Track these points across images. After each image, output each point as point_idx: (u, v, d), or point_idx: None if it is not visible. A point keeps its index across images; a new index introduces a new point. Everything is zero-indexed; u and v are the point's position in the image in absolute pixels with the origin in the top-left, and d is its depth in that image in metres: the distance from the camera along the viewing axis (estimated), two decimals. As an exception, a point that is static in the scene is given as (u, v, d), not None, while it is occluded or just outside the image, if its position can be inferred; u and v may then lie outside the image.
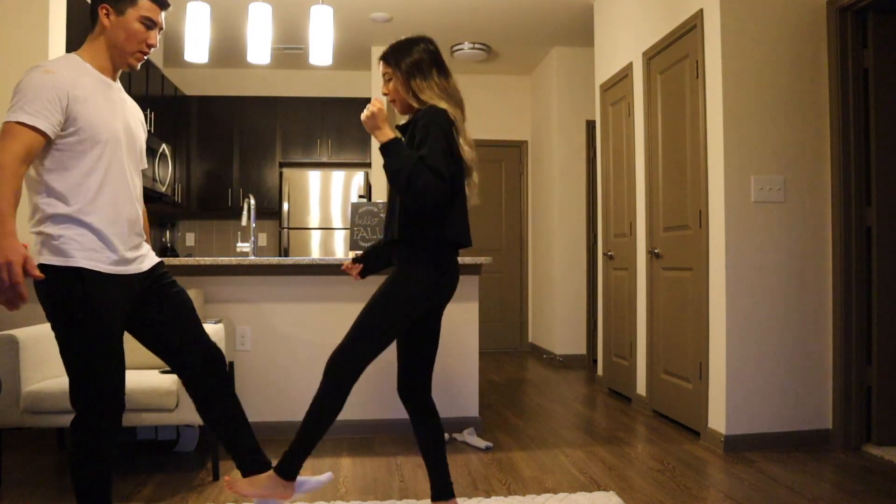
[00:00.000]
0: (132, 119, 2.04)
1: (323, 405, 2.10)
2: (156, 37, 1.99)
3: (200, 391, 2.10)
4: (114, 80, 2.00)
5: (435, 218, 2.07)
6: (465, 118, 2.19)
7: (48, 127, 1.78)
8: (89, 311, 1.83)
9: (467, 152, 2.13)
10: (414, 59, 2.13)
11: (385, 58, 2.19)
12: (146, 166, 2.18)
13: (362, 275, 2.38)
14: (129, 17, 1.93)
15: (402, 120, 2.26)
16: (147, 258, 2.06)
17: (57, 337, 1.87)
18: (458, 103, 2.17)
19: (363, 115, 2.04)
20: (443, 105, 2.10)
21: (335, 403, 2.10)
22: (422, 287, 2.11)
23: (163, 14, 2.02)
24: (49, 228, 1.82)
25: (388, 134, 2.02)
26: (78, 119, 1.83)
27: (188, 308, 2.09)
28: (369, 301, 2.12)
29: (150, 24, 1.96)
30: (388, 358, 2.49)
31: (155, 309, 2.03)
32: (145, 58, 2.01)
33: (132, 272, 1.97)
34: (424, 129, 2.03)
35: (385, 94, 2.21)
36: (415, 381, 2.26)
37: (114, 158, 1.91)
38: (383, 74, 2.20)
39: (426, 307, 2.16)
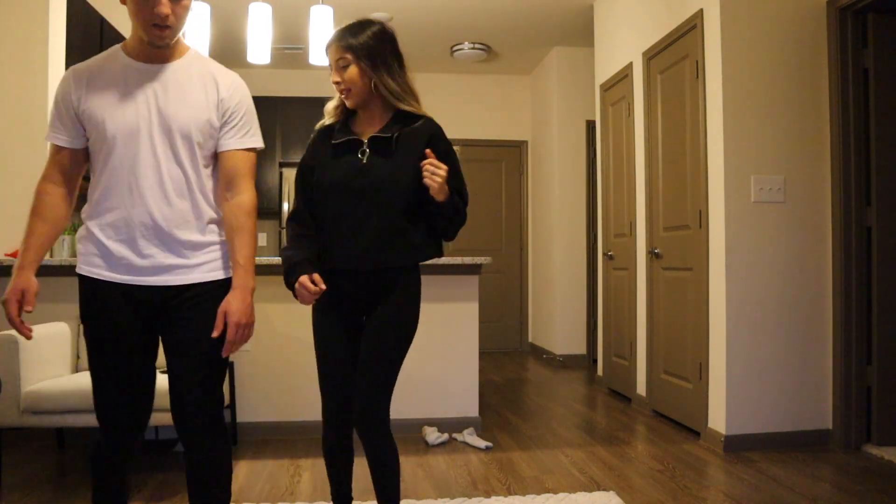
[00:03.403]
0: (172, 102, 1.68)
1: (387, 466, 1.94)
2: (165, 5, 1.60)
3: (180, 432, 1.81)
4: (156, 62, 1.70)
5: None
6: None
7: (65, 140, 1.70)
8: (88, 318, 1.72)
9: None
10: (373, 45, 1.88)
11: (342, 43, 1.88)
12: (200, 150, 1.72)
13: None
14: None
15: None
16: (180, 271, 1.71)
17: None
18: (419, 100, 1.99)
19: (437, 184, 1.79)
20: (422, 108, 1.95)
21: (395, 454, 1.95)
22: (420, 299, 2.02)
23: None
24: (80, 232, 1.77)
25: (447, 189, 1.84)
26: (87, 120, 1.67)
27: (185, 347, 1.73)
28: (388, 339, 1.92)
29: None
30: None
31: (163, 331, 1.77)
32: (165, 32, 1.64)
33: (145, 283, 1.69)
34: (448, 157, 1.89)
35: (337, 83, 1.91)
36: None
37: (125, 155, 1.66)
38: (337, 60, 1.89)
39: None
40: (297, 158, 6.66)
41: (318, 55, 4.16)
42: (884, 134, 3.35)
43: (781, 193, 3.41)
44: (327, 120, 2.02)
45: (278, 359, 3.58)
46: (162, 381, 1.93)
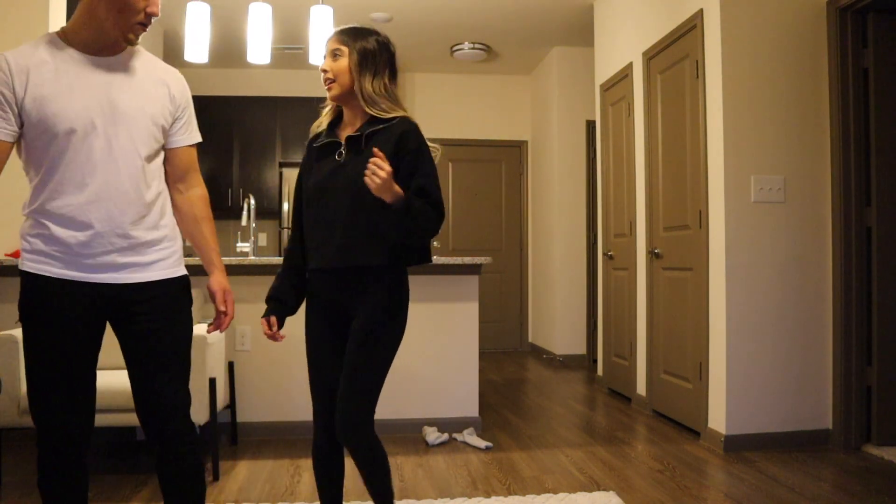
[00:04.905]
0: (128, 96, 1.65)
1: (375, 468, 1.95)
2: (158, 5, 1.64)
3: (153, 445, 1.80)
4: (104, 54, 1.65)
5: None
6: None
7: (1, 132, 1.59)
8: (28, 319, 1.66)
9: None
10: (371, 48, 1.92)
11: (343, 36, 1.94)
12: (157, 144, 1.72)
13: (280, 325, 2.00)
14: None
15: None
16: (136, 269, 1.66)
17: None
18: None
19: (375, 185, 1.72)
20: (398, 112, 1.92)
21: (382, 456, 1.96)
22: (407, 304, 1.99)
23: None
24: (23, 228, 1.66)
25: (399, 191, 1.78)
26: (31, 113, 1.56)
27: (147, 351, 1.68)
28: (370, 344, 1.87)
29: None
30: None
31: (123, 330, 1.71)
32: (146, 30, 1.65)
33: (100, 281, 1.63)
34: (418, 154, 1.87)
35: (324, 71, 1.93)
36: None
37: (80, 149, 1.59)
38: (332, 50, 1.93)
39: None
40: (298, 158, 6.66)
41: (319, 55, 4.16)
42: (884, 134, 3.35)
43: (781, 193, 3.41)
44: (321, 125, 2.04)
45: (278, 359, 3.58)
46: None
